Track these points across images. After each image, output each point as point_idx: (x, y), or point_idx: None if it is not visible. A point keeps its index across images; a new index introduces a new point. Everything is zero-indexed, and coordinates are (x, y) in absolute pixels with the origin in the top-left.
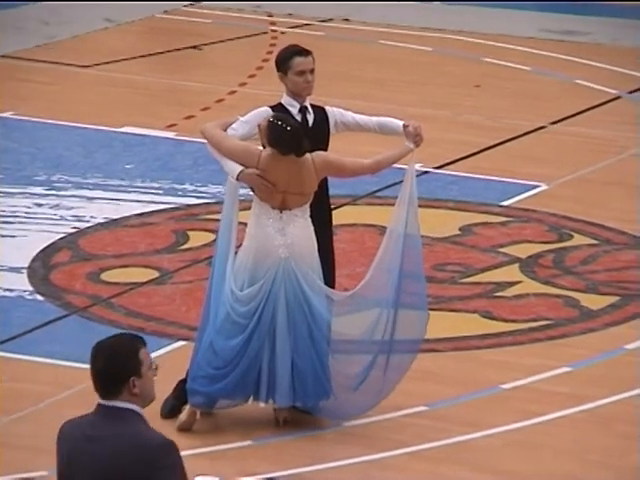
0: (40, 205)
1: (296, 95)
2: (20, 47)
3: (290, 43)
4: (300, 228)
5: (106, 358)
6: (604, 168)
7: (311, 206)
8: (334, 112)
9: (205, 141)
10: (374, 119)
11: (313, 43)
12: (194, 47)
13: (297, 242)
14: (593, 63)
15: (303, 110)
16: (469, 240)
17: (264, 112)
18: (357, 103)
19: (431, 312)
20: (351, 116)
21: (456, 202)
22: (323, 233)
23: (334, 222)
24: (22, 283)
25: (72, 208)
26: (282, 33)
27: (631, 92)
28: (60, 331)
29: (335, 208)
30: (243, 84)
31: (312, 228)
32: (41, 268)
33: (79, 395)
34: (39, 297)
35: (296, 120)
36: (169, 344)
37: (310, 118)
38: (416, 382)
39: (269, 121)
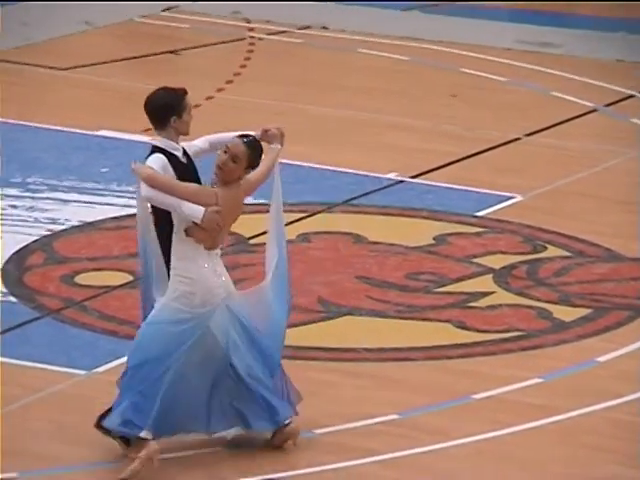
0: (15, 207)
1: (182, 135)
2: None
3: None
4: (222, 265)
5: None
6: (579, 180)
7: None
8: (188, 147)
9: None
10: (210, 137)
11: (291, 50)
12: (172, 52)
13: (227, 280)
14: (569, 75)
15: (184, 151)
16: (443, 250)
17: (159, 158)
18: (335, 112)
19: (404, 321)
20: (194, 144)
21: (431, 211)
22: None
23: (309, 229)
24: None
25: (47, 210)
26: (260, 39)
27: (607, 105)
28: (33, 333)
29: (310, 215)
30: (220, 90)
31: None
32: (15, 270)
33: (49, 398)
34: (12, 299)
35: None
36: None
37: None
38: (387, 390)
39: (245, 142)
